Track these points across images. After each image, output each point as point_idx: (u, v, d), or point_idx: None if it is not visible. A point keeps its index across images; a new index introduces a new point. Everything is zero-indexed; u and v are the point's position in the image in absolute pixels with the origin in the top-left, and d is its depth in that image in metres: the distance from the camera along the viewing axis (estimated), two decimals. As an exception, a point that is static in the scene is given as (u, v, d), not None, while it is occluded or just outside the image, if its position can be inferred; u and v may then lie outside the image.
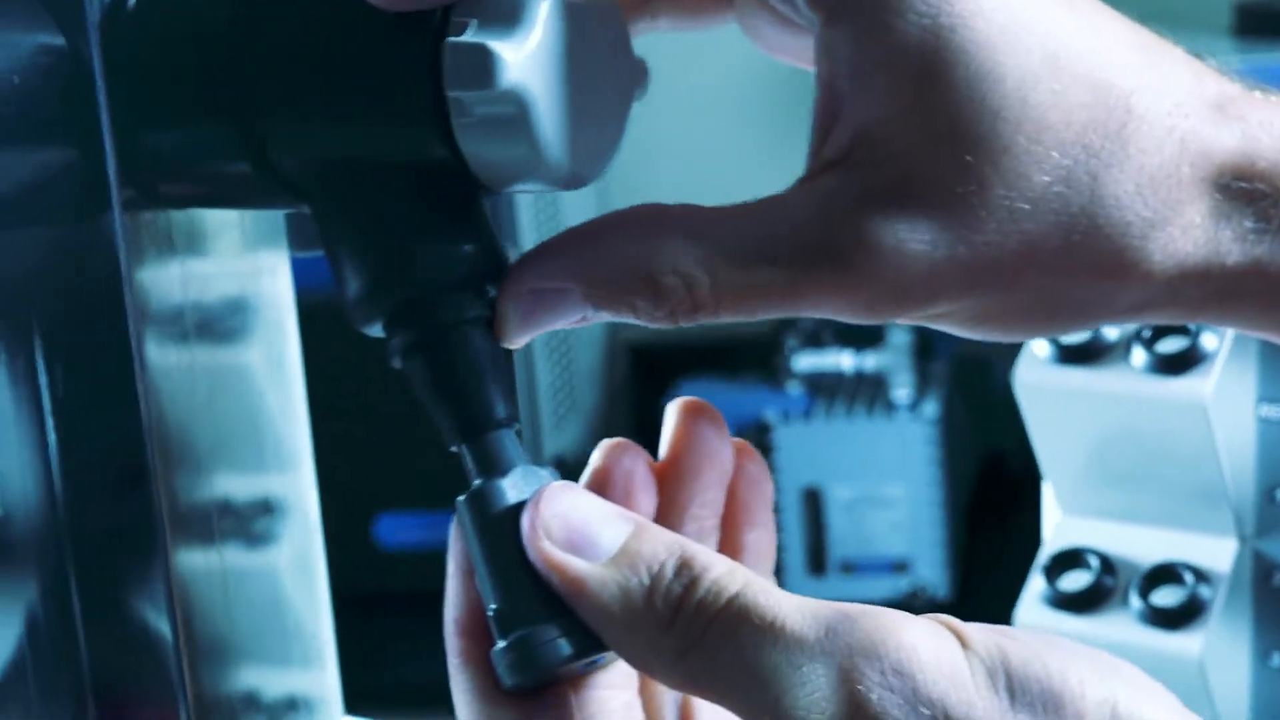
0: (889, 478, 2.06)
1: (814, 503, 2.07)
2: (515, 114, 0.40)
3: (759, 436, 2.07)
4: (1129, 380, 0.58)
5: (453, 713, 0.43)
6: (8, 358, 0.48)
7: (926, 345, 2.12)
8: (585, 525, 0.41)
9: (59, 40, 0.43)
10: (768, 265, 0.41)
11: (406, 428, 2.10)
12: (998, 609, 1.98)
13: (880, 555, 2.08)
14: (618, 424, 2.23)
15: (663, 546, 0.40)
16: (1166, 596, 0.60)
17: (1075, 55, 0.40)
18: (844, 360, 2.14)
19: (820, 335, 2.15)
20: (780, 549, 1.74)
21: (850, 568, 2.07)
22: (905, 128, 0.40)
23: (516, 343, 0.43)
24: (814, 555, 2.07)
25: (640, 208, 0.42)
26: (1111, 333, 0.59)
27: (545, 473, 0.42)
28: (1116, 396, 0.59)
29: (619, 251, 0.41)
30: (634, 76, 0.45)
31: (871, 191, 0.40)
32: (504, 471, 0.42)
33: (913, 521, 2.06)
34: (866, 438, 2.06)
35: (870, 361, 2.12)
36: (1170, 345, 0.59)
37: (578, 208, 2.15)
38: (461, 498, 0.42)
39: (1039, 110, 0.40)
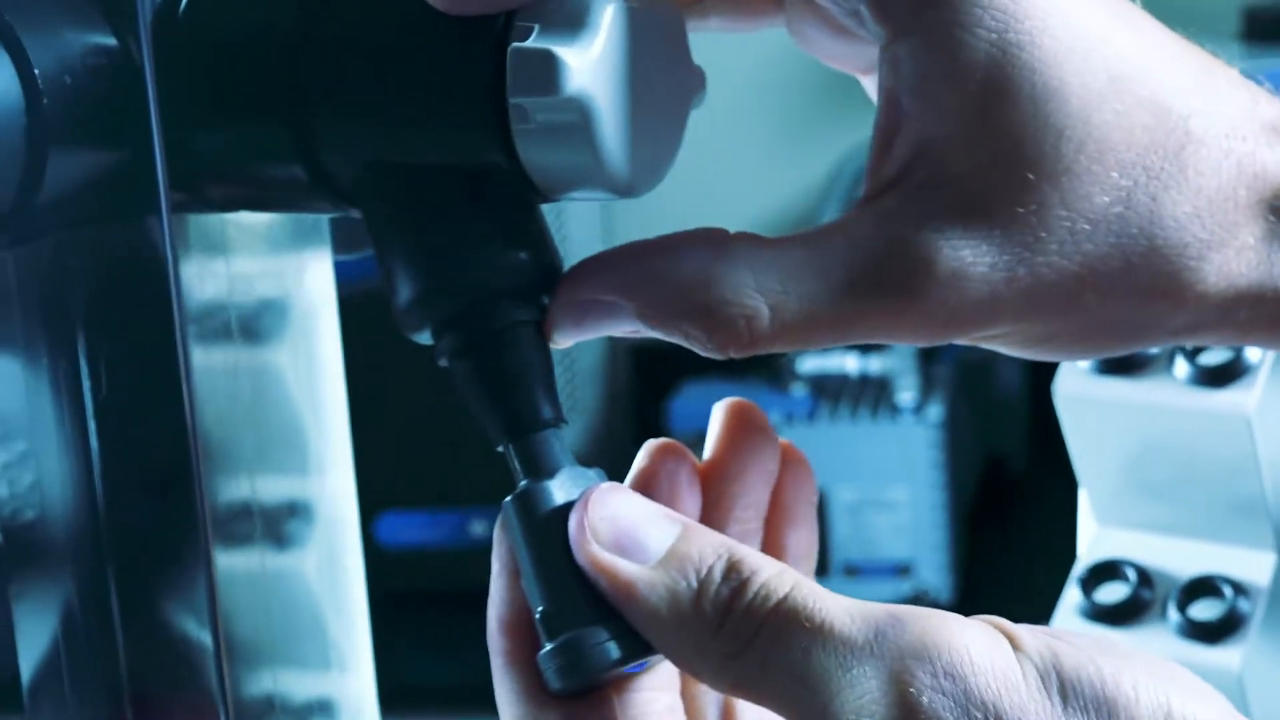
0: (892, 481, 2.06)
1: (818, 505, 2.07)
2: (577, 121, 0.40)
3: (763, 438, 2.07)
4: (1171, 392, 0.58)
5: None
6: (50, 359, 0.47)
7: (931, 349, 2.12)
8: (633, 528, 0.40)
9: (111, 41, 0.43)
10: (831, 299, 0.40)
11: (407, 428, 2.10)
12: (1001, 612, 1.99)
13: (883, 558, 2.08)
14: (619, 425, 2.22)
15: (710, 549, 0.40)
16: (1205, 610, 0.59)
17: (1138, 77, 0.40)
18: (848, 363, 2.14)
19: (825, 338, 2.16)
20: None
21: (853, 570, 2.07)
22: (969, 145, 0.40)
23: (565, 344, 0.43)
24: (817, 557, 2.07)
25: (703, 231, 0.42)
26: (1154, 343, 0.60)
27: (592, 474, 0.42)
28: (1158, 408, 0.58)
29: (678, 274, 0.41)
30: (692, 84, 0.44)
31: (933, 212, 0.40)
32: (551, 473, 0.42)
33: (916, 525, 2.06)
34: (870, 441, 2.06)
35: (875, 364, 2.12)
36: (1213, 357, 0.59)
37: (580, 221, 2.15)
38: (508, 498, 0.42)
39: (1102, 131, 0.40)
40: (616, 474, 0.45)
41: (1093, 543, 0.62)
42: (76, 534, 0.49)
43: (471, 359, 0.43)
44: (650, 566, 0.40)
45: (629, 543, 0.40)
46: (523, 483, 0.42)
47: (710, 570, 0.39)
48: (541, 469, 0.42)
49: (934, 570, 2.07)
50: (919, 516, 2.06)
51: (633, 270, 0.42)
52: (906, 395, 2.08)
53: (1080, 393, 0.58)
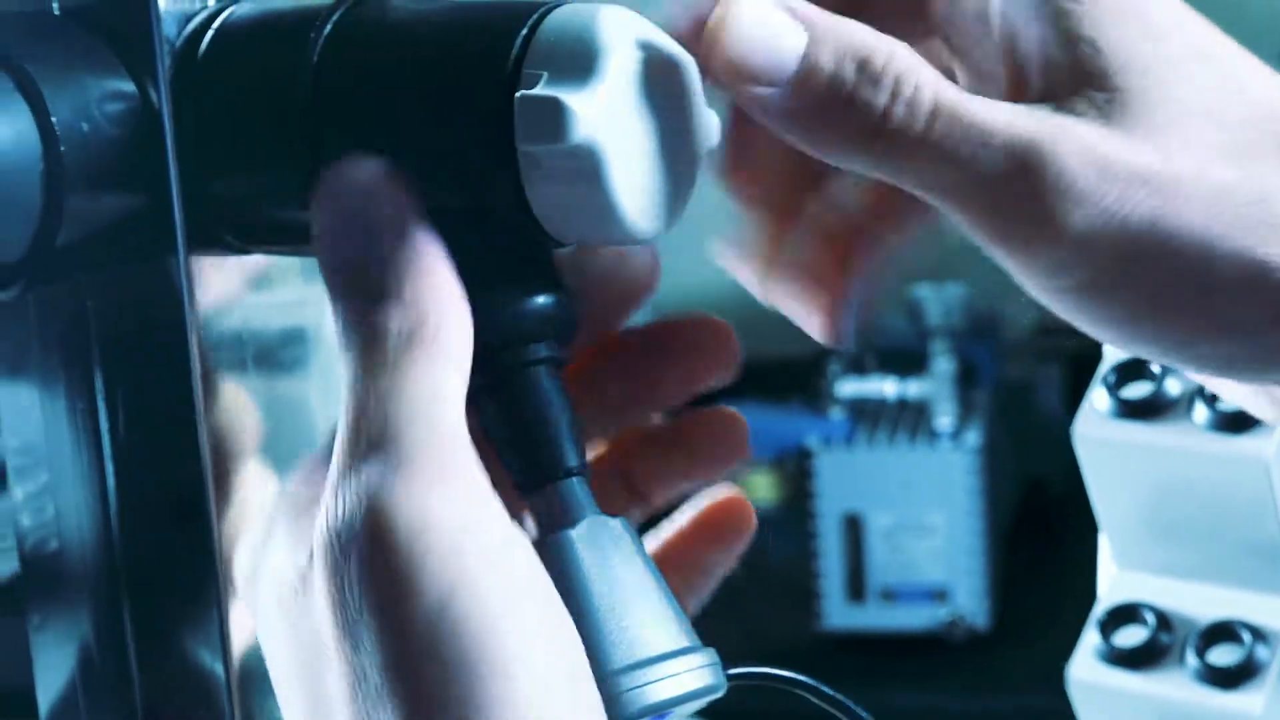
0: (930, 506, 2.05)
1: (854, 529, 2.06)
2: (587, 169, 0.40)
3: (800, 462, 2.07)
4: (1190, 437, 0.58)
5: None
6: (68, 393, 0.48)
7: (970, 374, 2.11)
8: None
9: (129, 86, 0.44)
10: (982, 133, 0.40)
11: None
12: (1037, 639, 1.97)
13: (920, 583, 2.07)
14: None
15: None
16: (1224, 655, 0.59)
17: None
18: (887, 387, 2.13)
19: (864, 361, 2.15)
20: (819, 575, 1.74)
21: (890, 595, 2.06)
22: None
23: (724, 49, 0.42)
24: (853, 581, 2.06)
25: None
26: (1174, 388, 0.59)
27: (615, 523, 0.42)
28: (1177, 453, 0.58)
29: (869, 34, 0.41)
30: (706, 130, 0.44)
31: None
32: (571, 523, 0.42)
33: (953, 550, 2.05)
34: (908, 465, 2.05)
35: (913, 389, 2.11)
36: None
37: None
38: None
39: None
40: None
41: (1112, 585, 0.62)
42: (93, 566, 0.49)
43: (486, 404, 0.43)
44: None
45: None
46: (543, 536, 0.42)
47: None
48: (560, 520, 0.42)
49: (971, 595, 2.05)
50: (956, 541, 2.05)
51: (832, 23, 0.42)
52: (945, 420, 2.07)
53: (1100, 436, 0.58)
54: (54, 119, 0.41)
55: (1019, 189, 0.40)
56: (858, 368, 2.14)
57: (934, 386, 2.08)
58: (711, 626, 0.43)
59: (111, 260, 0.45)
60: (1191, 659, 0.60)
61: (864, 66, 0.41)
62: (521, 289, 0.43)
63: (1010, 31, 0.42)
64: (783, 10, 0.41)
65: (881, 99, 0.41)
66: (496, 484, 0.41)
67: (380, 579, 0.37)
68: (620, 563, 0.41)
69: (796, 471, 2.11)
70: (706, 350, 0.46)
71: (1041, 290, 0.42)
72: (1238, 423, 0.57)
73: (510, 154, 0.41)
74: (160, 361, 0.46)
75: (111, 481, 0.48)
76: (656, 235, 0.43)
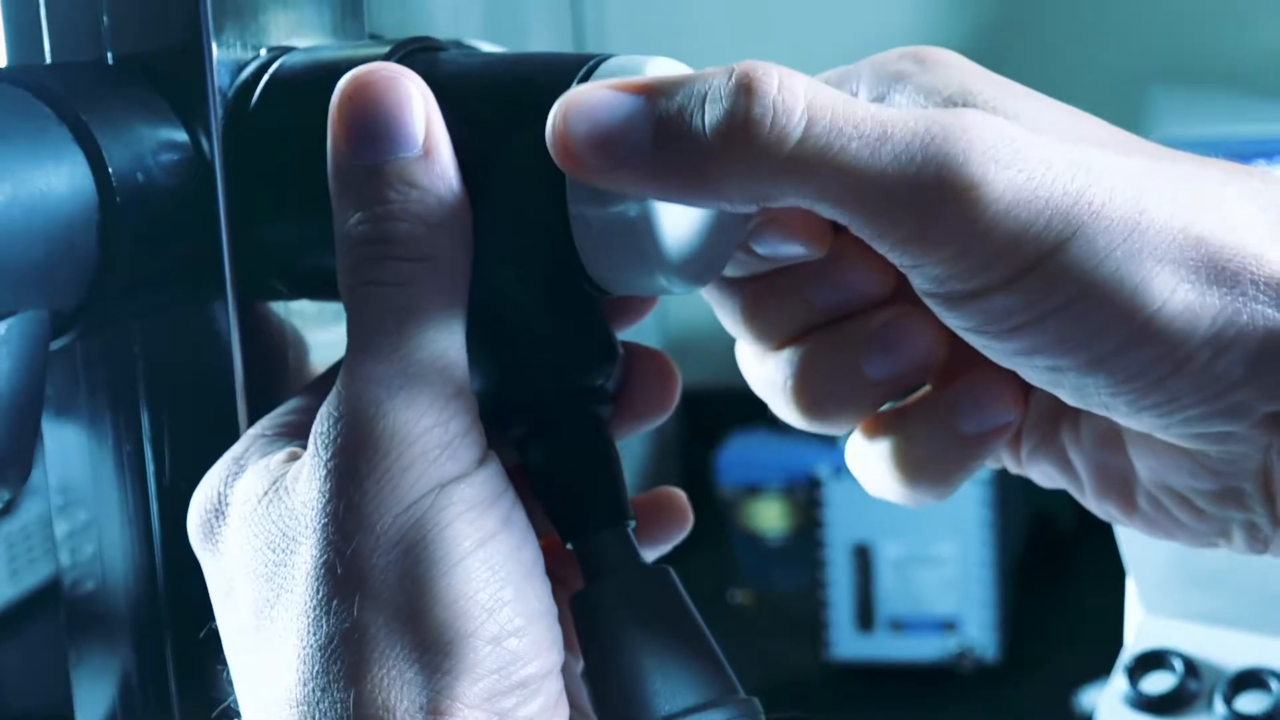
0: (939, 536, 2.05)
1: (863, 559, 2.06)
2: (636, 228, 0.41)
3: (809, 492, 2.07)
4: (1221, 485, 0.58)
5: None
6: (114, 436, 0.48)
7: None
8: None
9: (183, 136, 0.44)
10: (870, 133, 0.38)
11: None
12: (1047, 670, 1.97)
13: (929, 614, 2.07)
14: (668, 475, 2.22)
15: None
16: (1252, 703, 0.59)
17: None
18: (898, 417, 2.13)
19: (874, 392, 2.15)
20: (828, 605, 1.74)
21: (899, 625, 2.06)
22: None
23: (572, 145, 0.39)
24: (862, 612, 2.06)
25: None
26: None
27: (660, 573, 0.42)
28: (1207, 500, 0.58)
29: (716, 72, 0.39)
30: None
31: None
32: (617, 571, 0.42)
33: (963, 581, 2.05)
34: (918, 496, 2.05)
35: (924, 419, 2.12)
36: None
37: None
38: (572, 598, 0.42)
39: None
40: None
41: (1140, 631, 0.62)
42: (136, 605, 0.50)
43: (535, 454, 0.43)
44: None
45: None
46: (584, 587, 0.42)
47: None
48: (599, 570, 0.42)
49: (980, 627, 2.05)
50: (966, 573, 2.05)
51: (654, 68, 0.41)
52: (955, 451, 2.07)
53: (1129, 484, 0.58)
54: (110, 170, 0.42)
55: (929, 179, 0.37)
56: (869, 398, 2.14)
57: (944, 418, 2.08)
58: (720, 652, 0.44)
59: (161, 306, 0.46)
60: (1220, 706, 0.60)
61: (707, 90, 0.38)
62: (572, 340, 0.43)
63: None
64: (608, 88, 0.39)
65: (737, 115, 0.38)
66: (537, 520, 0.41)
67: (363, 475, 0.38)
68: (665, 612, 0.42)
69: (806, 501, 2.11)
70: (649, 384, 0.46)
71: (961, 299, 0.39)
72: (1267, 471, 0.57)
73: (562, 208, 0.41)
74: (207, 405, 0.47)
75: (156, 524, 0.48)
76: (705, 283, 0.44)
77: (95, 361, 0.48)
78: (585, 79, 0.41)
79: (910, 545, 2.05)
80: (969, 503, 2.04)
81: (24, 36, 0.45)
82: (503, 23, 2.06)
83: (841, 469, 2.08)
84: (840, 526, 2.04)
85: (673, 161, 0.38)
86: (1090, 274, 0.37)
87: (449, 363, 0.40)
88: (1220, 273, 0.38)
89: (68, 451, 0.49)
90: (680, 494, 0.48)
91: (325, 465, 0.39)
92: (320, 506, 0.39)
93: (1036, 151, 0.38)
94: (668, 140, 0.38)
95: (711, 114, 0.38)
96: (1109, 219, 0.37)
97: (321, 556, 0.38)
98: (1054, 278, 0.37)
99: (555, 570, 0.42)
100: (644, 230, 0.41)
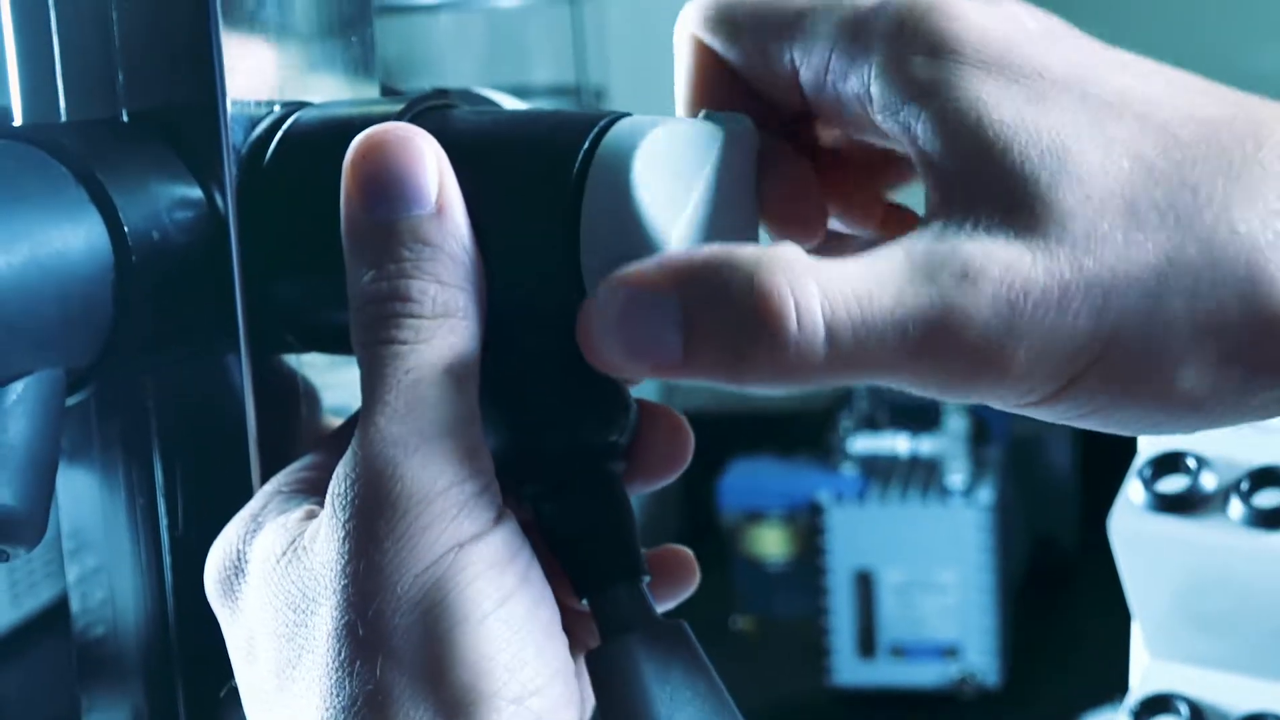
0: (941, 562, 2.05)
1: (865, 585, 2.06)
2: None
3: (811, 517, 2.07)
4: (1226, 533, 0.58)
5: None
6: (127, 487, 0.48)
7: (982, 431, 2.12)
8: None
9: (197, 194, 0.44)
10: (891, 303, 0.39)
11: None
12: (1048, 696, 1.97)
13: (930, 640, 2.07)
14: (668, 500, 2.23)
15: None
16: (1258, 748, 0.59)
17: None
18: (899, 443, 2.14)
19: (876, 418, 2.15)
20: (829, 631, 1.74)
21: (900, 651, 2.07)
22: (995, 182, 0.40)
23: (604, 365, 0.40)
24: (864, 637, 2.06)
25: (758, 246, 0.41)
26: (1209, 483, 0.60)
27: (675, 627, 0.42)
28: (1212, 547, 0.58)
29: (735, 275, 0.39)
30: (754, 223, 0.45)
31: (981, 222, 0.39)
32: (633, 626, 0.42)
33: (964, 607, 2.05)
34: (920, 522, 2.05)
35: (925, 445, 2.12)
36: (1268, 499, 0.59)
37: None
38: (586, 654, 0.42)
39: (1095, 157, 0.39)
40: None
41: (1145, 676, 0.63)
42: (149, 652, 0.50)
43: (544, 509, 0.43)
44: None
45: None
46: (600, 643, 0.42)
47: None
48: (623, 623, 0.42)
49: (981, 652, 2.05)
50: (967, 598, 2.05)
51: (682, 261, 0.40)
52: (957, 477, 2.07)
53: (1136, 530, 0.58)
54: (126, 229, 0.42)
55: (941, 350, 0.39)
56: (870, 424, 2.14)
57: (946, 444, 2.08)
58: (722, 680, 0.44)
59: (175, 360, 0.46)
60: (1225, 752, 0.60)
61: (732, 305, 0.39)
62: (585, 397, 0.43)
63: (894, 131, 0.41)
64: (630, 285, 0.40)
65: (761, 346, 0.38)
66: (549, 576, 0.42)
67: (382, 536, 0.39)
68: (680, 666, 0.42)
69: (808, 527, 2.11)
70: (661, 443, 0.46)
71: (1019, 409, 0.41)
72: (1273, 519, 0.57)
73: (575, 267, 0.41)
74: (220, 458, 0.47)
75: (169, 575, 0.48)
76: None
77: (109, 413, 0.48)
78: (597, 141, 0.42)
79: (912, 571, 2.06)
80: (970, 529, 2.04)
81: (40, 94, 0.46)
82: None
83: (843, 495, 2.08)
84: (842, 553, 2.04)
85: (707, 366, 0.39)
86: (1116, 388, 0.39)
87: (464, 421, 0.40)
88: (1244, 349, 0.39)
89: (80, 498, 0.50)
90: (687, 552, 0.48)
91: (344, 526, 0.39)
92: (340, 568, 0.39)
93: (1045, 300, 0.38)
94: (699, 351, 0.39)
95: (739, 340, 0.39)
96: (1127, 344, 0.39)
97: (343, 618, 0.38)
98: (1085, 394, 0.40)
99: (569, 625, 0.42)
100: None
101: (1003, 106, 0.40)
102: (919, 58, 0.40)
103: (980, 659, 2.04)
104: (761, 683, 2.02)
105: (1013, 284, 0.38)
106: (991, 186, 0.39)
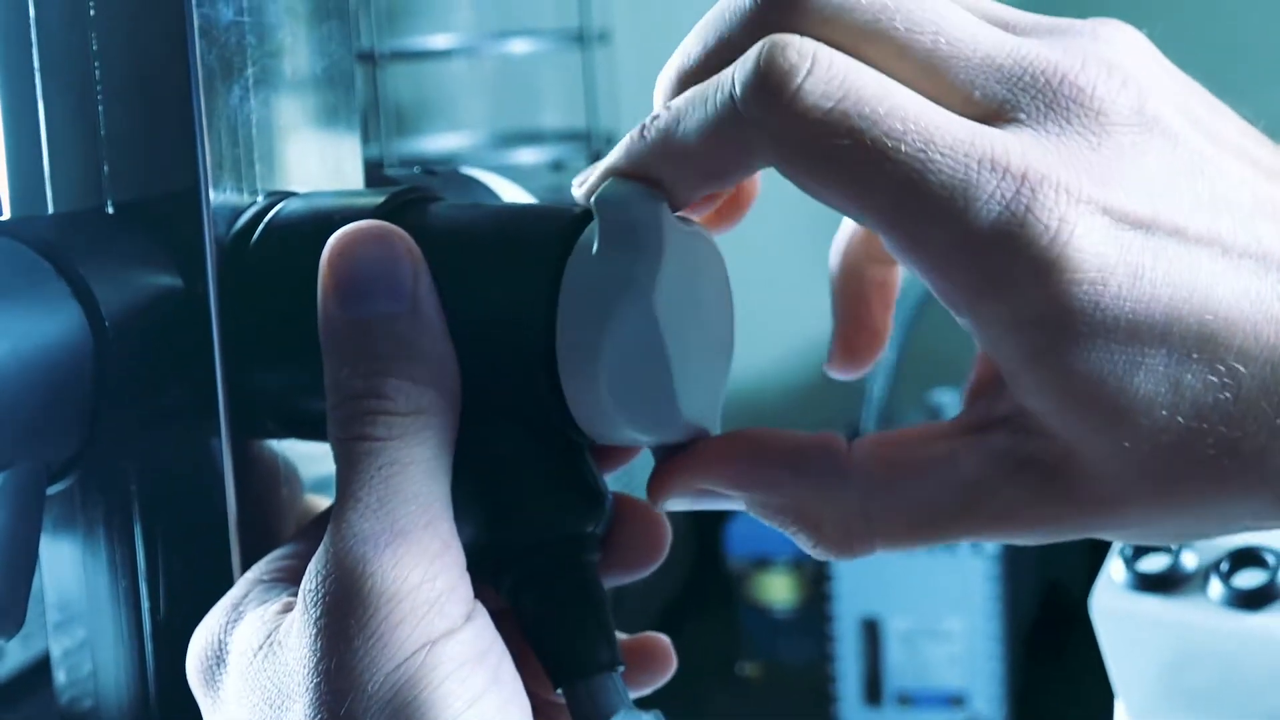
0: (948, 611, 2.05)
1: (872, 633, 2.06)
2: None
3: (818, 564, 2.07)
4: (1205, 613, 0.59)
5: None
6: (110, 569, 0.49)
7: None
8: None
9: (178, 282, 0.45)
10: (933, 527, 0.41)
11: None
12: (1055, 748, 1.96)
13: (937, 688, 2.06)
14: (676, 547, 2.23)
15: None
16: (1241, 825, 0.59)
17: None
18: (906, 491, 2.13)
19: (883, 465, 2.15)
20: (836, 678, 1.72)
21: (907, 699, 2.06)
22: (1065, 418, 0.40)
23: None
24: (870, 685, 2.06)
25: (825, 439, 0.43)
26: (1190, 563, 0.60)
27: (648, 717, 0.42)
28: (1193, 627, 0.59)
29: (796, 486, 0.42)
30: (733, 321, 0.45)
31: (1040, 458, 0.40)
32: (607, 717, 0.42)
33: (971, 655, 2.05)
34: (926, 570, 2.05)
35: (932, 493, 2.11)
36: (1248, 580, 0.59)
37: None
38: None
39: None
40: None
41: (1128, 751, 0.63)
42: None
43: (525, 601, 0.44)
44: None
45: None
46: None
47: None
48: (598, 713, 0.42)
49: (988, 701, 2.05)
50: (974, 647, 2.04)
51: (752, 473, 0.43)
52: (963, 525, 2.07)
53: (1117, 609, 0.59)
54: (106, 322, 0.42)
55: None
56: (877, 472, 2.14)
57: (953, 492, 2.07)
58: None
59: (157, 446, 0.46)
60: (1209, 826, 0.60)
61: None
62: (560, 489, 0.44)
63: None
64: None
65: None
66: (523, 666, 0.42)
67: (353, 634, 0.39)
68: None
69: (815, 574, 2.11)
70: (637, 536, 0.47)
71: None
72: (1252, 600, 0.57)
73: (550, 362, 0.42)
74: (201, 542, 0.47)
75: (151, 659, 0.49)
76: (697, 434, 0.44)
77: (92, 496, 0.48)
78: (574, 237, 0.42)
79: (919, 619, 2.05)
80: (977, 577, 2.04)
81: (28, 187, 0.46)
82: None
83: (850, 542, 2.08)
84: (849, 599, 2.03)
85: None
86: None
87: (435, 517, 0.41)
88: None
89: (65, 574, 0.50)
90: (665, 639, 0.49)
91: (315, 623, 0.40)
92: (313, 665, 0.39)
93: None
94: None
95: None
96: None
97: (316, 715, 0.39)
98: None
99: (545, 716, 0.42)
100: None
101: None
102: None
103: (987, 707, 2.03)
104: (767, 729, 2.02)
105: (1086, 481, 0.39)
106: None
